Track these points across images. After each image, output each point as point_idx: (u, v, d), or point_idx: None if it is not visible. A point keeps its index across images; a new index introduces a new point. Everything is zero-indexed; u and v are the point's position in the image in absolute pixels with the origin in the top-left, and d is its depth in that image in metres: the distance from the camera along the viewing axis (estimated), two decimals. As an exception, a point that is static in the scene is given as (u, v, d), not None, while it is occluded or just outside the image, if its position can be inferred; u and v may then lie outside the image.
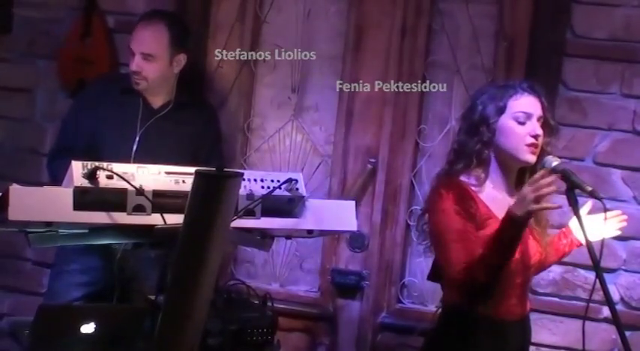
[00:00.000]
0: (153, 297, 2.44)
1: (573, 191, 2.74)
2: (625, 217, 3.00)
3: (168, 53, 3.59)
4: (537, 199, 2.64)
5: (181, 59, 3.64)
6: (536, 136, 2.82)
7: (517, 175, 2.93)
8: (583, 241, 2.82)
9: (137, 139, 3.57)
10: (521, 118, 2.83)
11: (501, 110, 2.84)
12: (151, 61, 3.57)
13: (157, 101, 3.65)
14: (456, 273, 2.77)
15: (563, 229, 3.09)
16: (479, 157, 2.86)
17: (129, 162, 3.19)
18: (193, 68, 4.00)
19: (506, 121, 2.84)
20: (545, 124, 2.88)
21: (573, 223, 3.00)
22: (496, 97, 2.87)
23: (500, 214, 2.83)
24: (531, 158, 2.84)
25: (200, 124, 3.73)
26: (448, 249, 2.79)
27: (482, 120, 2.85)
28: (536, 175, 2.68)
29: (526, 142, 2.82)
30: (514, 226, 2.69)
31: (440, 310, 3.00)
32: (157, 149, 3.53)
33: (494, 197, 2.88)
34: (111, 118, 3.62)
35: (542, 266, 3.07)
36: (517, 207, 2.68)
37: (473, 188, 2.85)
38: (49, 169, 3.67)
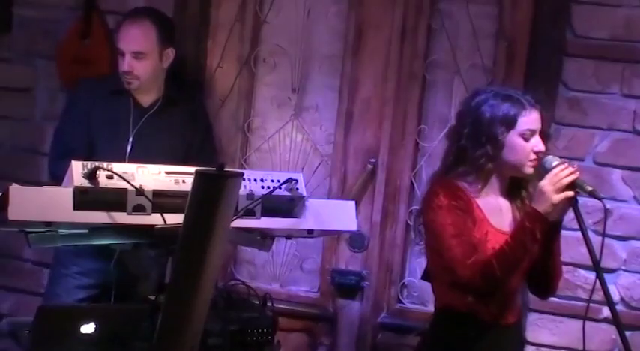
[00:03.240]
0: (153, 297, 2.44)
1: (574, 191, 2.74)
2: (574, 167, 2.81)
3: (157, 49, 3.60)
4: (558, 190, 2.67)
5: (170, 54, 3.64)
6: (538, 153, 2.82)
7: (509, 183, 2.92)
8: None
9: (130, 139, 3.58)
10: (527, 134, 2.82)
11: (510, 127, 2.81)
12: (142, 59, 3.56)
13: (147, 99, 3.65)
14: (464, 268, 2.72)
15: None
16: (481, 170, 2.84)
17: (123, 163, 3.20)
18: (193, 68, 4.01)
19: (513, 137, 2.82)
20: (541, 132, 2.88)
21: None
22: (505, 111, 2.82)
23: (494, 219, 2.84)
24: (532, 171, 2.84)
25: (189, 119, 3.72)
26: (450, 245, 2.76)
27: (490, 135, 2.81)
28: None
29: (530, 158, 2.82)
30: (537, 222, 2.69)
31: (433, 313, 3.01)
32: (150, 148, 3.55)
33: (489, 202, 2.87)
34: (103, 120, 3.61)
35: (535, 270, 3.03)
36: (539, 204, 2.69)
37: (469, 193, 2.85)
38: (54, 171, 3.60)
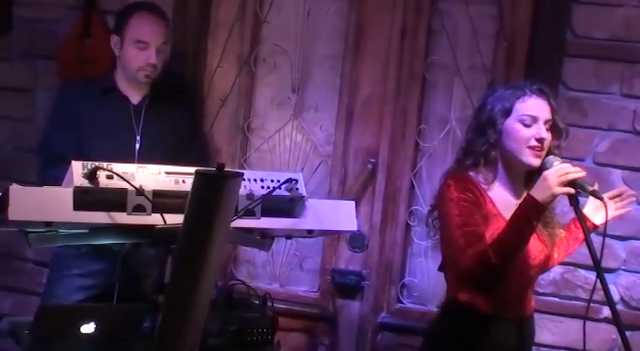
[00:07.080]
0: (153, 297, 2.44)
1: (575, 190, 2.74)
2: (631, 192, 3.00)
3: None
4: (562, 183, 2.67)
5: None
6: (540, 140, 2.81)
7: (525, 178, 2.92)
8: (598, 223, 2.90)
9: (139, 138, 3.57)
10: (526, 120, 2.83)
11: (507, 112, 2.84)
12: (164, 51, 3.58)
13: (136, 97, 3.62)
14: (466, 257, 2.76)
15: (571, 224, 3.05)
16: (486, 158, 2.86)
17: (133, 162, 3.18)
18: (193, 67, 4.01)
19: (511, 123, 2.84)
20: (553, 127, 2.87)
21: (587, 209, 2.98)
22: (504, 98, 2.86)
23: (507, 213, 2.83)
24: (535, 161, 2.83)
25: (178, 114, 3.70)
26: (456, 236, 2.79)
27: (489, 121, 2.85)
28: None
29: (530, 145, 2.82)
30: (533, 210, 2.70)
31: (441, 305, 3.02)
32: (155, 145, 3.54)
33: (503, 197, 2.88)
34: (97, 120, 3.57)
35: (548, 266, 3.05)
36: (538, 191, 2.70)
37: (482, 185, 2.86)
38: (45, 178, 3.44)
